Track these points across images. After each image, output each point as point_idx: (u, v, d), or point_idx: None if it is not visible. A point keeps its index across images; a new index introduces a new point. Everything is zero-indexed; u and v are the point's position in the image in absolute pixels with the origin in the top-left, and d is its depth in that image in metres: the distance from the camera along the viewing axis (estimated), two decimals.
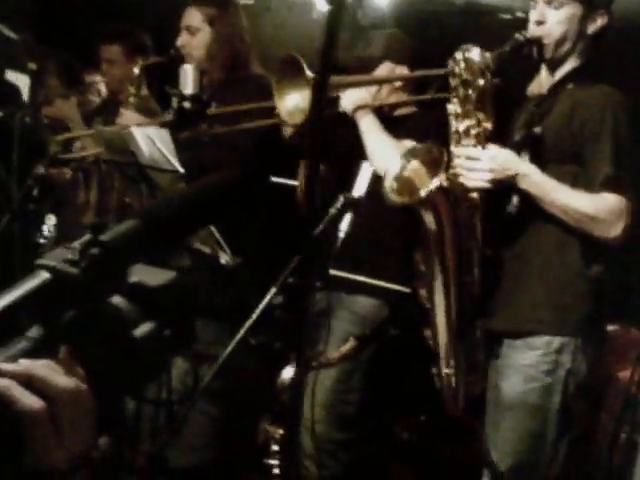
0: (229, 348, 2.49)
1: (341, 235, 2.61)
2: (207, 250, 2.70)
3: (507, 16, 4.72)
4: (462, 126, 2.78)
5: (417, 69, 3.35)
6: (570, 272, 2.82)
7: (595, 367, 2.87)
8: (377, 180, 3.10)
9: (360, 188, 2.58)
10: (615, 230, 2.73)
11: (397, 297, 3.33)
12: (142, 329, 1.10)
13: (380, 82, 3.35)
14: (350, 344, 2.37)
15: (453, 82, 2.77)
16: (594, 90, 2.84)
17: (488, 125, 2.77)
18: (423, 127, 3.33)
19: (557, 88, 2.89)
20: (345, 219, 2.56)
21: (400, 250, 3.36)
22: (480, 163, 2.74)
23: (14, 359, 0.97)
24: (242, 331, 2.46)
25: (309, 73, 2.93)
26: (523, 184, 2.75)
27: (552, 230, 2.81)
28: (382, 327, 3.31)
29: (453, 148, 2.80)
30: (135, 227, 1.07)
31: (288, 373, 2.22)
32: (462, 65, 2.73)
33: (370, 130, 3.20)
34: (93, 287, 1.04)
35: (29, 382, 0.93)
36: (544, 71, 2.94)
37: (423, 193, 2.71)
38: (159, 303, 1.10)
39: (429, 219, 2.77)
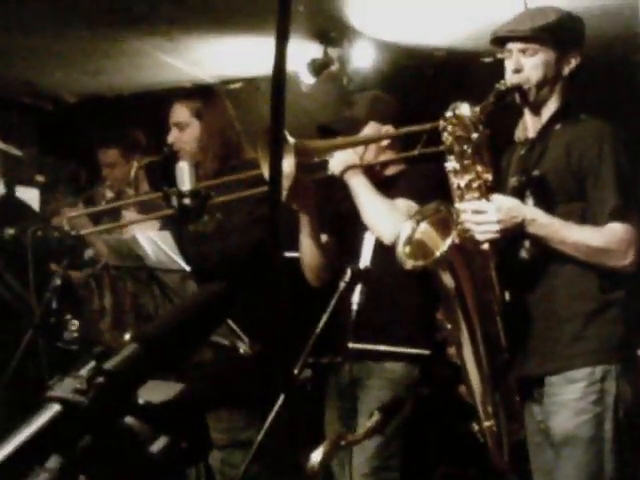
0: (263, 431, 2.51)
1: (354, 307, 2.64)
2: (225, 342, 2.73)
3: (488, 59, 4.78)
4: (463, 181, 2.81)
5: (404, 125, 3.40)
6: (595, 302, 2.83)
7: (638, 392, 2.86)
8: (382, 247, 3.14)
9: (366, 258, 2.61)
10: (627, 259, 2.76)
11: (425, 357, 3.34)
12: (157, 445, 1.13)
13: (367, 142, 3.37)
14: (375, 418, 2.36)
15: (447, 140, 2.81)
16: (584, 125, 2.89)
17: (488, 176, 2.80)
18: (415, 184, 3.36)
19: (546, 130, 2.94)
20: (356, 291, 2.59)
21: (416, 311, 3.37)
22: (487, 215, 2.76)
23: None
24: (273, 413, 2.48)
25: (291, 140, 2.99)
26: (531, 228, 2.77)
27: (568, 266, 2.82)
28: (410, 391, 3.30)
29: (458, 204, 2.83)
30: (136, 352, 1.11)
31: (317, 456, 2.22)
32: (454, 122, 2.78)
33: (362, 190, 3.23)
34: (103, 413, 1.08)
35: None
36: (528, 116, 2.99)
37: (438, 254, 2.74)
38: (169, 418, 1.13)
39: (446, 278, 2.79)
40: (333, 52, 4.93)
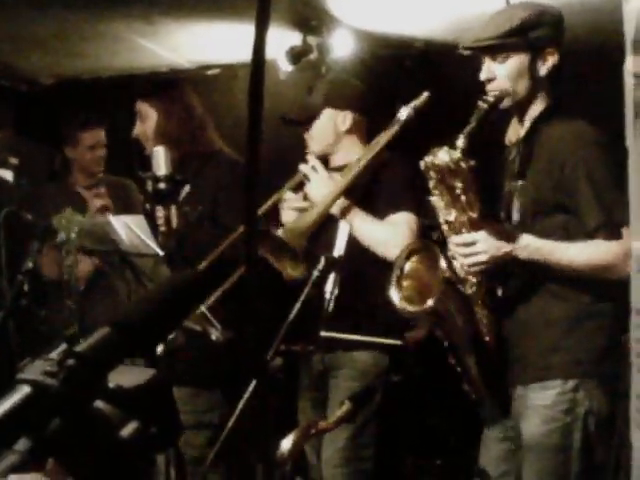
0: (235, 414, 2.51)
1: (328, 296, 2.64)
2: (198, 328, 2.73)
3: (468, 51, 4.76)
4: (450, 217, 2.79)
5: (369, 111, 3.42)
6: (575, 312, 2.81)
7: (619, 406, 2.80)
8: (355, 237, 3.14)
9: (340, 248, 2.62)
10: (628, 267, 2.62)
11: (394, 345, 3.35)
12: (127, 429, 1.12)
13: (351, 183, 3.33)
14: (346, 407, 2.37)
15: (430, 182, 2.77)
16: (566, 132, 2.82)
17: (475, 213, 2.76)
18: (401, 173, 3.38)
19: (530, 134, 2.88)
20: (329, 280, 2.59)
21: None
22: (476, 246, 2.75)
23: (3, 475, 1.00)
24: (245, 396, 2.49)
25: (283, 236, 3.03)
26: (525, 254, 2.74)
27: (550, 279, 2.81)
28: (380, 380, 3.31)
29: (447, 238, 2.83)
30: (108, 335, 1.11)
31: (287, 444, 2.22)
32: (434, 169, 2.73)
33: (360, 225, 3.23)
34: (73, 396, 1.07)
35: None
36: (514, 118, 2.93)
37: (431, 302, 2.76)
38: (140, 403, 1.13)
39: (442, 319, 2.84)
40: (312, 40, 4.91)
